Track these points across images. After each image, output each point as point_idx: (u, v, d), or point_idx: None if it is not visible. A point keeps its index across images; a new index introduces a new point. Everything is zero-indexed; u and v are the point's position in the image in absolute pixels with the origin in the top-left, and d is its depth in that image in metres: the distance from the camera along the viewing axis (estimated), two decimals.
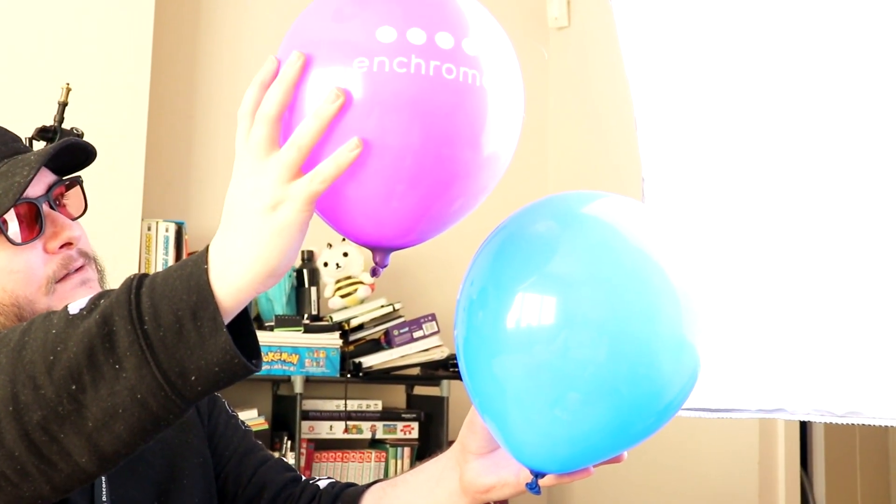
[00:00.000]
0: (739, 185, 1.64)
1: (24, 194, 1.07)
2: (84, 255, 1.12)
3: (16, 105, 2.84)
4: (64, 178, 1.14)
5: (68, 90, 2.12)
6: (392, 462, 3.10)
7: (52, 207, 1.11)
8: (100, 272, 1.16)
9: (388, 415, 3.14)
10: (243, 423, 1.34)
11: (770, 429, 2.84)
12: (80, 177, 1.16)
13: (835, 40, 1.51)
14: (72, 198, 1.15)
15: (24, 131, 1.99)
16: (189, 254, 3.06)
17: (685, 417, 1.64)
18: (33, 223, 1.09)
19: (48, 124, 2.08)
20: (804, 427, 3.23)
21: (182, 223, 3.05)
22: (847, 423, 1.53)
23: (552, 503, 3.59)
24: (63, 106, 2.11)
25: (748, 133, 1.65)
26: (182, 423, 1.24)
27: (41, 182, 1.11)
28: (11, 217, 1.08)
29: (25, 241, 1.08)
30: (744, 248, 1.63)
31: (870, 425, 1.52)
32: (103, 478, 1.13)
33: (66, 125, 2.10)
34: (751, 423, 2.80)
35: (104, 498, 1.13)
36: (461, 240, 3.65)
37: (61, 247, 1.10)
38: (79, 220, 1.15)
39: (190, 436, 1.24)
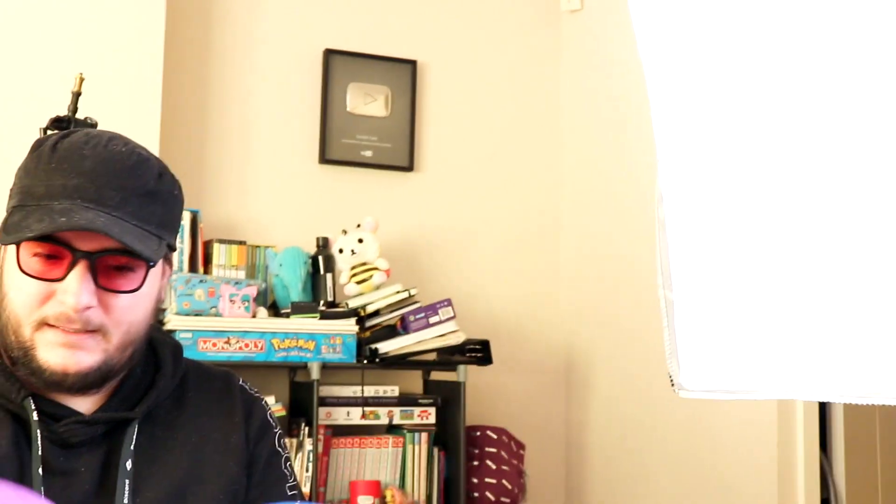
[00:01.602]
0: (756, 165, 1.63)
1: (73, 245, 1.11)
2: (89, 324, 1.14)
3: (30, 95, 2.85)
4: (125, 252, 1.14)
5: (81, 80, 2.13)
6: (410, 447, 3.10)
7: (91, 269, 1.13)
8: (125, 345, 1.18)
9: (404, 400, 3.14)
10: (288, 465, 1.35)
11: (789, 410, 2.83)
12: (151, 263, 1.17)
13: (859, 24, 1.49)
14: (130, 273, 1.16)
15: (39, 121, 2.00)
16: (204, 243, 3.08)
17: (702, 400, 1.64)
18: (54, 265, 1.13)
19: (62, 114, 2.08)
20: (823, 408, 3.21)
21: (197, 212, 3.05)
22: (866, 404, 1.52)
23: (570, 487, 3.59)
24: (76, 96, 2.11)
25: (765, 113, 1.63)
26: (229, 447, 1.28)
27: (96, 241, 1.12)
28: (37, 247, 1.12)
29: (27, 274, 1.13)
30: (760, 228, 1.62)
31: (890, 405, 1.51)
32: (127, 484, 1.18)
33: (79, 115, 2.10)
34: (769, 405, 2.79)
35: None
36: (476, 225, 3.65)
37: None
38: (125, 293, 1.16)
39: (231, 464, 1.27)
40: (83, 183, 1.12)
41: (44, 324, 1.13)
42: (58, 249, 1.12)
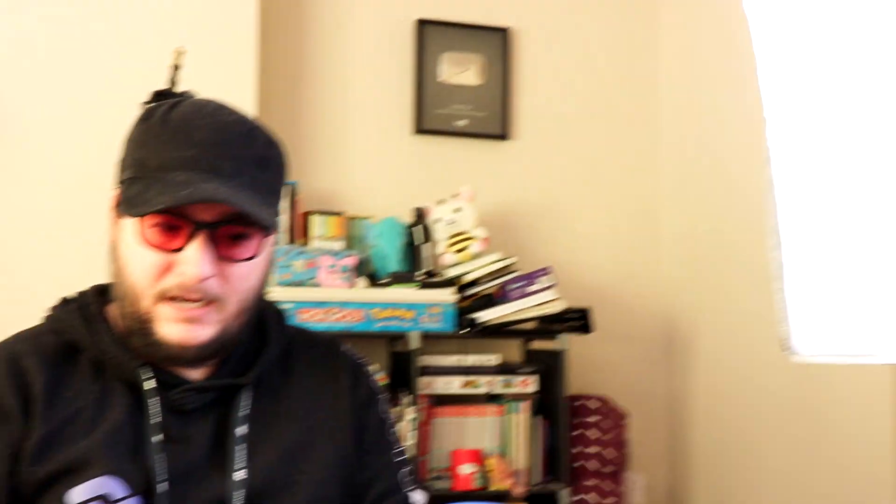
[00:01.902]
0: (869, 119, 1.56)
1: (191, 216, 1.12)
2: (208, 294, 1.15)
3: (128, 71, 2.90)
4: (242, 219, 1.15)
5: (180, 53, 2.15)
6: (511, 417, 3.10)
7: (210, 239, 1.14)
8: (240, 313, 1.19)
9: (505, 369, 3.12)
10: (394, 432, 1.35)
11: None
12: (269, 229, 1.18)
13: None
14: (246, 241, 1.17)
15: (139, 97, 2.03)
16: (303, 214, 3.11)
17: (811, 365, 1.59)
18: (173, 236, 1.14)
19: (162, 88, 2.11)
20: None
21: (294, 183, 3.08)
22: None
23: (674, 456, 3.56)
24: (176, 69, 2.14)
25: (879, 68, 1.56)
26: (337, 413, 1.29)
27: (213, 211, 1.13)
28: (155, 218, 1.13)
29: (147, 245, 1.14)
30: (874, 185, 1.55)
31: None
32: (243, 449, 1.20)
33: (178, 88, 2.13)
34: (882, 369, 2.70)
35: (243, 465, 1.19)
36: (574, 192, 3.61)
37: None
38: (243, 262, 1.17)
39: (340, 431, 1.28)
40: (199, 154, 1.12)
41: (163, 297, 1.14)
42: (176, 220, 1.12)
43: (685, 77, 3.56)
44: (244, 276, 1.17)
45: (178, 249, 1.13)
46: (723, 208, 3.28)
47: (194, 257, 1.12)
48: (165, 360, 1.19)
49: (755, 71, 1.91)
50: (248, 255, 1.16)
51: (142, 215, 1.12)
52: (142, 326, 1.16)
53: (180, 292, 1.14)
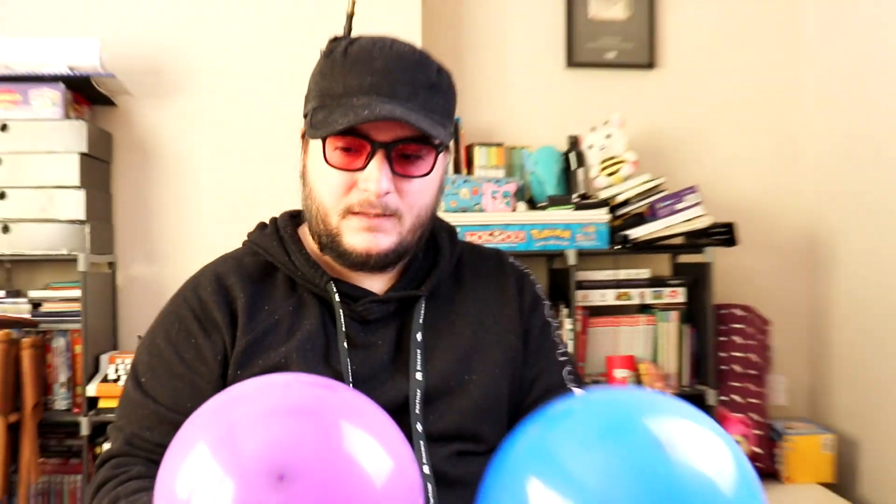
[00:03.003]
0: None
1: (370, 137, 1.14)
2: (387, 208, 1.17)
3: (308, 22, 3.07)
4: (416, 140, 1.17)
5: (354, 2, 2.22)
6: (661, 325, 3.11)
7: (387, 157, 1.16)
8: (415, 227, 1.22)
9: (655, 282, 3.13)
10: (558, 334, 1.36)
11: None
12: (441, 147, 1.20)
13: None
14: (420, 160, 1.19)
15: (318, 45, 2.27)
16: (466, 147, 3.17)
17: None
18: (355, 157, 1.17)
19: (339, 35, 2.28)
20: None
21: (457, 119, 3.13)
22: None
23: (814, 359, 3.45)
24: (350, 17, 2.25)
25: None
26: (505, 319, 1.31)
27: (390, 132, 1.15)
28: (338, 141, 1.16)
29: (332, 166, 1.18)
30: None
31: None
32: (419, 354, 1.23)
33: (353, 35, 2.29)
34: None
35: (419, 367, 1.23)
36: (718, 114, 3.55)
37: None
38: (418, 178, 1.19)
39: (508, 334, 1.30)
40: (377, 80, 1.14)
41: (348, 211, 1.18)
42: (357, 142, 1.15)
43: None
44: (418, 192, 1.20)
45: (360, 169, 1.16)
46: (868, 121, 3.12)
47: (374, 174, 1.15)
48: (352, 268, 1.23)
49: None
50: (422, 173, 1.19)
51: (327, 136, 1.15)
52: (332, 240, 1.21)
53: (362, 207, 1.17)
